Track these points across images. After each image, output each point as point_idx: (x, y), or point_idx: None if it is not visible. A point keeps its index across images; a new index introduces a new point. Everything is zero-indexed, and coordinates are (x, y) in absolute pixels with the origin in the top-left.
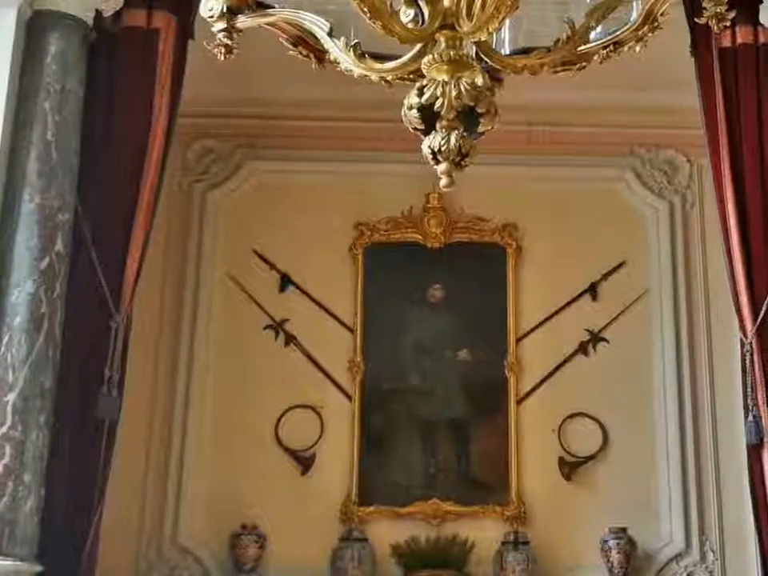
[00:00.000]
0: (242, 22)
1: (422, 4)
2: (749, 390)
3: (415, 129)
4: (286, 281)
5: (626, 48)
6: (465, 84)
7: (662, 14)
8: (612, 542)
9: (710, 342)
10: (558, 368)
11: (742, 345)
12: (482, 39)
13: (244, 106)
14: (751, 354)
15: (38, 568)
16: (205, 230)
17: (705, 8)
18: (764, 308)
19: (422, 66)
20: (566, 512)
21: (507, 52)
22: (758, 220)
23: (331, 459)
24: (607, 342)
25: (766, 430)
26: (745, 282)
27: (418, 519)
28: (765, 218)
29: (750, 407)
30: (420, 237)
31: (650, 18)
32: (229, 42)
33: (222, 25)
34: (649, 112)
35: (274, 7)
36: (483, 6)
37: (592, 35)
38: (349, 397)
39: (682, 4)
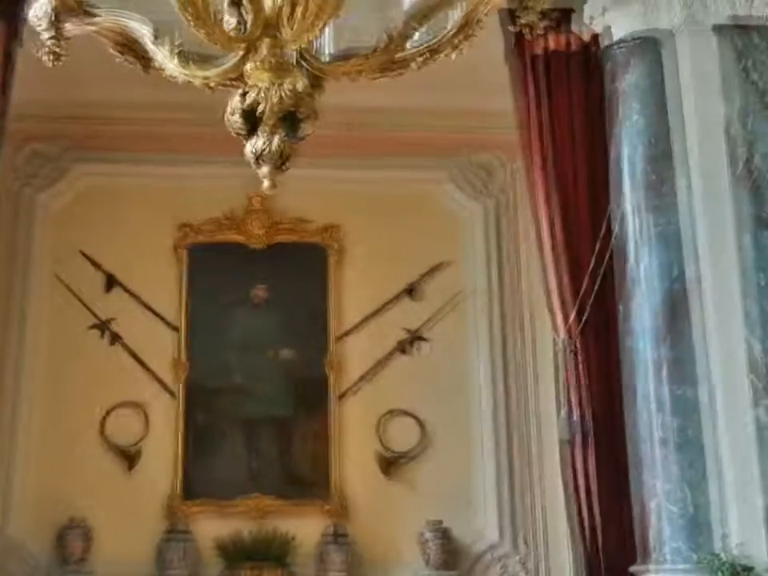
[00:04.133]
0: (69, 30)
1: (244, 12)
2: (561, 387)
3: (238, 133)
4: (111, 281)
5: (442, 55)
6: (286, 89)
7: (477, 23)
8: (429, 535)
9: (524, 341)
10: (376, 366)
11: (555, 343)
12: (303, 46)
13: (71, 109)
14: (564, 352)
15: None
16: (33, 232)
17: (518, 16)
18: (575, 308)
19: (245, 71)
20: (385, 507)
21: (328, 57)
22: (570, 223)
23: (156, 455)
24: (426, 340)
25: (577, 426)
26: (557, 282)
27: (241, 514)
28: (577, 221)
29: (563, 403)
30: (243, 238)
31: (464, 27)
32: (57, 50)
33: (50, 32)
34: (466, 115)
35: (100, 16)
36: (304, 14)
37: (409, 43)
38: (173, 395)
39: (497, 11)
